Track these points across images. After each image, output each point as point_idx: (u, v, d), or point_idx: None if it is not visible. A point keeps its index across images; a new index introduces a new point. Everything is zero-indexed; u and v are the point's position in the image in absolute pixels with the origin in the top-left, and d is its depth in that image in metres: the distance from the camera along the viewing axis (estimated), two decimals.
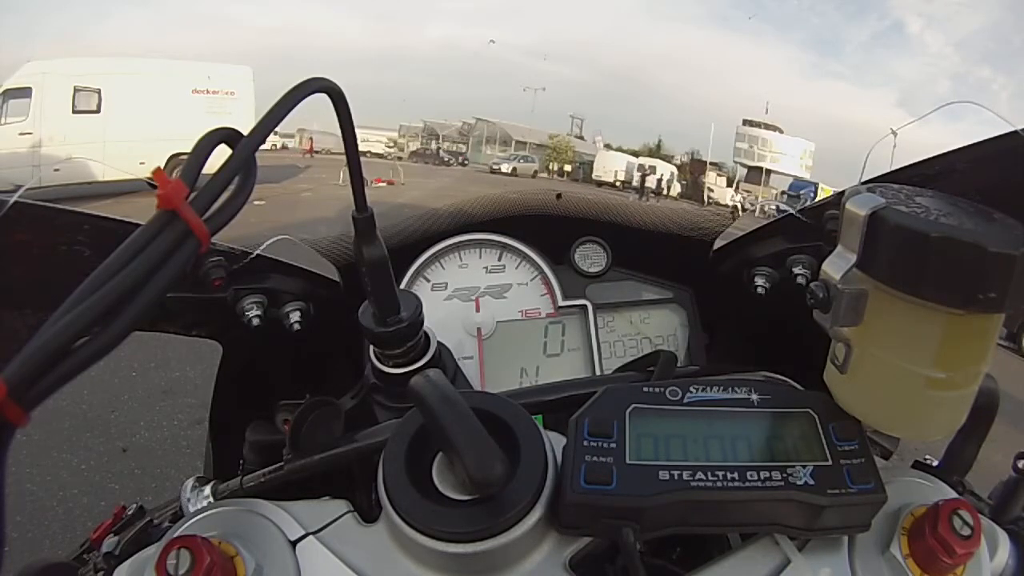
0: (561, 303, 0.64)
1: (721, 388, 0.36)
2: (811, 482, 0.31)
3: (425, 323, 0.47)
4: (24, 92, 7.65)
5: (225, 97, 9.35)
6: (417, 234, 0.63)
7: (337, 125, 0.33)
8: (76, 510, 1.91)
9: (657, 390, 0.36)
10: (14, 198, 0.36)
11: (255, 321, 0.50)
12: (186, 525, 0.33)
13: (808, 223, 0.52)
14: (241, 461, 0.45)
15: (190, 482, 0.43)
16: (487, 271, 0.65)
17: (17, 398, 0.20)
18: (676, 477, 0.31)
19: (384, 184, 12.81)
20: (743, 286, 0.58)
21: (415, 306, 0.45)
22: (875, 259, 0.29)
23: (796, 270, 0.54)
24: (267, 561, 0.32)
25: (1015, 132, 0.36)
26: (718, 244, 0.63)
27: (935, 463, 0.46)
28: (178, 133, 7.76)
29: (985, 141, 0.39)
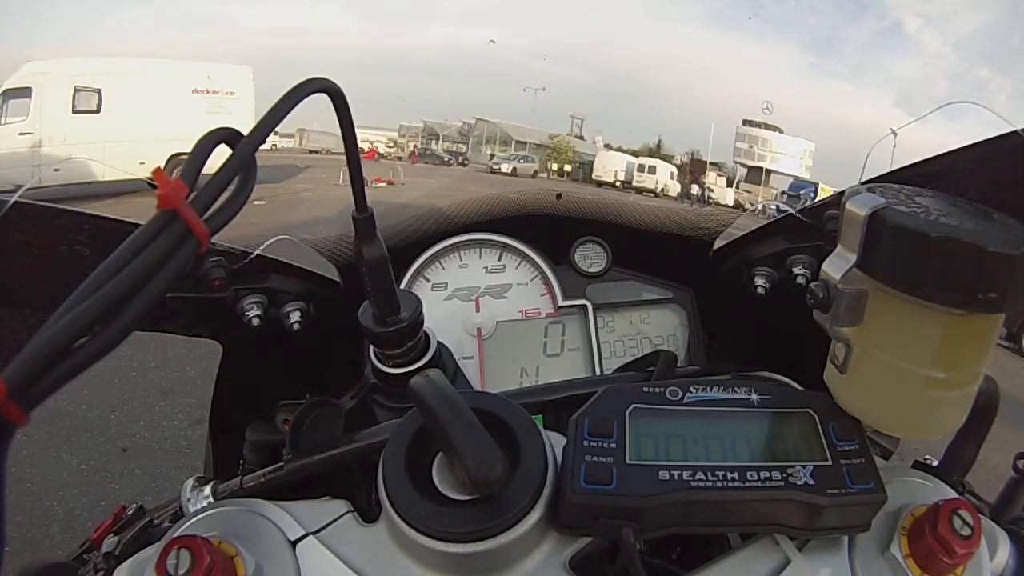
0: (561, 303, 0.64)
1: (721, 388, 0.36)
2: (811, 482, 0.31)
3: (425, 323, 0.47)
4: (24, 92, 7.65)
5: (225, 97, 9.36)
6: (417, 234, 0.63)
7: (336, 125, 0.33)
8: (76, 510, 1.91)
9: (657, 390, 0.36)
10: (14, 198, 0.36)
11: (255, 321, 0.50)
12: (186, 525, 0.33)
13: (808, 223, 0.52)
14: (241, 461, 0.45)
15: (190, 482, 0.43)
16: (487, 271, 0.65)
17: (17, 398, 0.20)
18: (676, 477, 0.31)
19: (384, 184, 12.82)
20: (743, 286, 0.58)
21: (415, 306, 0.45)
22: (875, 259, 0.29)
23: (796, 270, 0.54)
24: (267, 561, 0.32)
25: (1015, 132, 0.36)
26: (718, 244, 0.63)
27: (935, 463, 0.46)
28: (178, 133, 7.77)
29: (985, 141, 0.39)
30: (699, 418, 0.34)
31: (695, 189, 23.12)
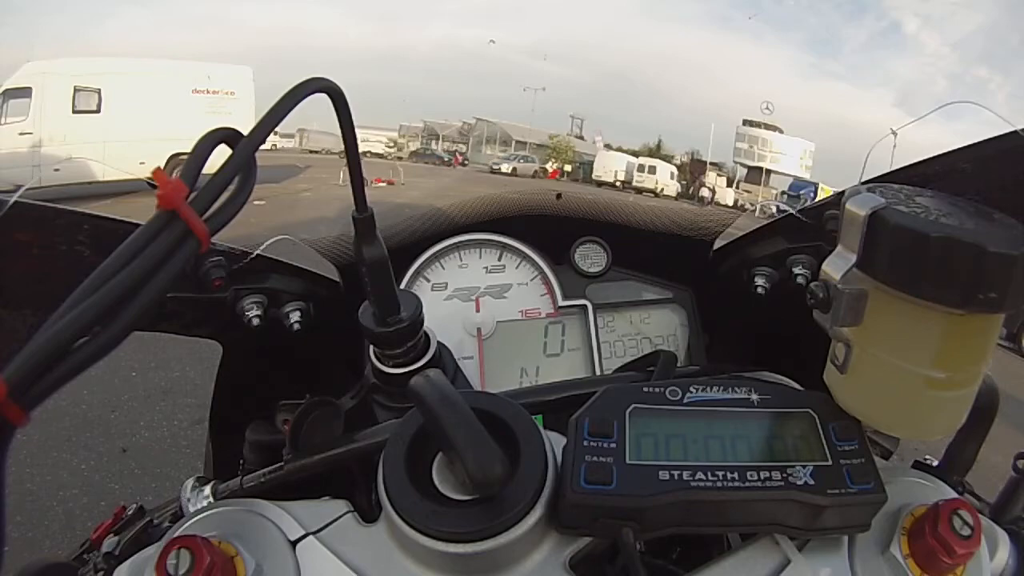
0: (561, 303, 0.64)
1: (721, 388, 0.36)
2: (811, 482, 0.31)
3: (425, 323, 0.47)
4: (24, 92, 7.65)
5: (225, 97, 9.36)
6: (417, 234, 0.63)
7: (337, 125, 0.33)
8: (76, 510, 1.91)
9: (657, 390, 0.36)
10: (14, 198, 0.36)
11: (255, 321, 0.50)
12: (186, 525, 0.33)
13: (808, 223, 0.52)
14: (241, 461, 0.46)
15: (190, 482, 0.43)
16: (487, 271, 0.65)
17: (17, 398, 0.20)
18: (676, 477, 0.31)
19: (384, 184, 12.82)
20: (743, 286, 0.58)
21: (415, 306, 0.45)
22: (875, 259, 0.29)
23: (796, 270, 0.54)
24: (267, 561, 0.32)
25: (1015, 132, 0.36)
26: (718, 244, 0.63)
27: (935, 463, 0.46)
28: (178, 133, 7.77)
29: (985, 141, 0.39)
30: (699, 418, 0.34)
31: (704, 192, 22.97)
